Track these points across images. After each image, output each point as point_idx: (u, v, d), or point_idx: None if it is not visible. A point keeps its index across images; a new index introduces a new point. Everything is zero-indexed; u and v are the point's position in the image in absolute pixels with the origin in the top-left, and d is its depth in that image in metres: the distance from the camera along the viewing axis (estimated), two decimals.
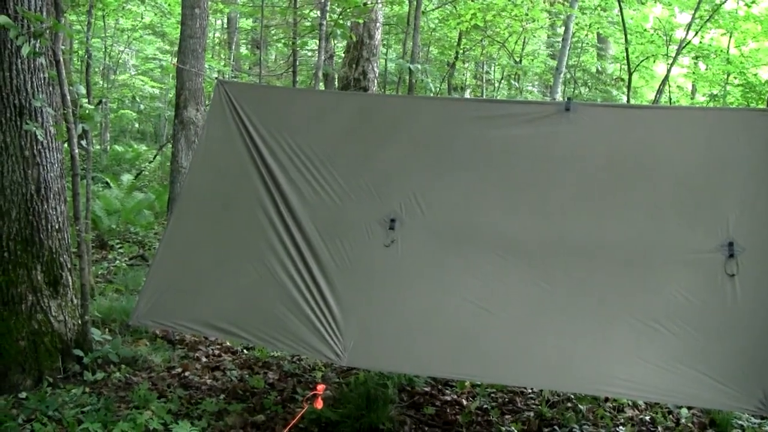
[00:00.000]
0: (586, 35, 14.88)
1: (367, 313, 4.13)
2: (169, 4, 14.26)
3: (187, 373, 5.20)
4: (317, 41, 9.75)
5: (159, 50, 17.49)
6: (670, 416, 4.99)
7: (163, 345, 5.69)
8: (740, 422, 4.87)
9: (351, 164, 4.41)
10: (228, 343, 5.89)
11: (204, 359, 5.56)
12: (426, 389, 5.16)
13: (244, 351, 5.82)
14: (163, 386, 4.89)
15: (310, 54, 16.77)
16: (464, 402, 5.00)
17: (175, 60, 12.05)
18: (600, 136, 4.10)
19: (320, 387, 3.68)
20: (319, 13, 9.59)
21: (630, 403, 5.15)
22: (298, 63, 10.27)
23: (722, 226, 3.78)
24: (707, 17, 12.47)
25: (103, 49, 14.92)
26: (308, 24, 11.71)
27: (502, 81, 15.83)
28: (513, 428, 4.58)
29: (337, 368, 5.39)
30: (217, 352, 5.78)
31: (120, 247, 9.14)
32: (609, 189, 4.01)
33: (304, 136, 4.46)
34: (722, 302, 3.72)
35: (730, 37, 17.84)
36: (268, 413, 4.61)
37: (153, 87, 17.22)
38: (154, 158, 16.43)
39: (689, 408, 5.01)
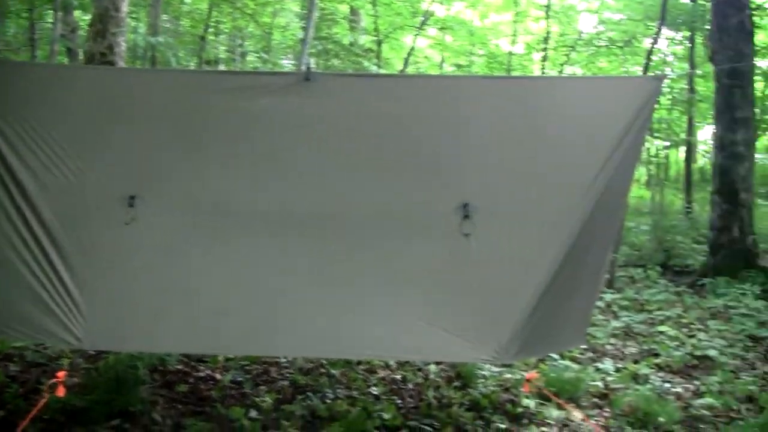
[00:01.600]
0: (334, 7, 15.21)
1: (110, 294, 3.86)
2: None
3: None
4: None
5: None
6: (420, 373, 5.26)
7: None
8: (483, 372, 5.25)
9: (89, 142, 4.03)
10: None
11: None
12: (179, 367, 5.02)
13: None
14: None
15: (53, 27, 15.31)
16: (218, 377, 4.97)
17: None
18: (341, 105, 4.03)
19: (61, 374, 3.48)
20: None
21: (383, 364, 5.34)
22: (37, 36, 9.36)
23: (459, 189, 3.92)
24: None
25: None
26: None
27: (253, 53, 15.69)
28: (267, 398, 4.61)
29: (86, 354, 5.05)
30: None
31: None
32: (352, 157, 4.00)
33: (37, 114, 3.98)
34: (459, 261, 3.89)
35: (473, 10, 19.34)
36: (10, 408, 4.19)
37: None
38: None
39: (437, 363, 5.30)
